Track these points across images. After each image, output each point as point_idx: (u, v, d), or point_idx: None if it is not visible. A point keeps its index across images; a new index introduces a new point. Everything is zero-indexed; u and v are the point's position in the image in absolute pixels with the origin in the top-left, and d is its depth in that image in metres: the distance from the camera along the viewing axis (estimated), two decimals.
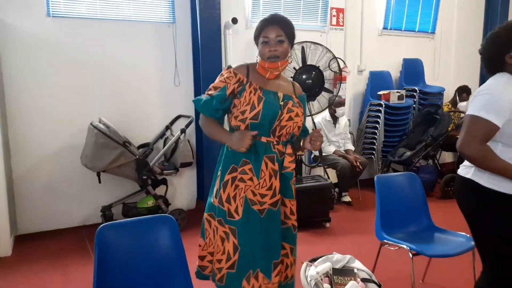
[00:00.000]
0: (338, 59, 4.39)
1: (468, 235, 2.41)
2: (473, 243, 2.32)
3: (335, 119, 4.68)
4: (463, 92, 5.49)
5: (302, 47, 3.83)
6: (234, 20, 4.18)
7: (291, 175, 1.85)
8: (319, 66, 3.85)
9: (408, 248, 2.29)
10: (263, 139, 1.78)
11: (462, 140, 1.73)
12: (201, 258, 1.92)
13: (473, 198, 1.84)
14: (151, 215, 1.96)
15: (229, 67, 1.84)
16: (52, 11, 3.66)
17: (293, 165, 1.84)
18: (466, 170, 1.86)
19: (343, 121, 4.77)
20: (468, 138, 1.71)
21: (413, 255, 2.29)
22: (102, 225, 1.80)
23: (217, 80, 1.82)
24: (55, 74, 3.70)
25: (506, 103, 1.68)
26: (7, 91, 3.54)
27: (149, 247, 1.88)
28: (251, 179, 1.77)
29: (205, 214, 1.87)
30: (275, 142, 1.80)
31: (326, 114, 4.68)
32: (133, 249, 1.86)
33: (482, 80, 6.34)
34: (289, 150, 1.84)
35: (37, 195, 3.71)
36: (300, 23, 4.89)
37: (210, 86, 1.81)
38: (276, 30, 1.77)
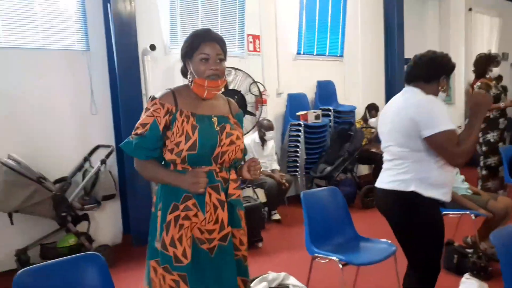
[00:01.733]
0: (257, 83, 4.56)
1: (389, 241, 2.61)
2: (394, 248, 2.52)
3: (263, 141, 4.80)
4: (372, 109, 6.00)
5: None
6: (152, 47, 4.15)
7: (238, 202, 1.71)
8: (240, 91, 3.95)
9: (337, 259, 2.40)
10: (204, 168, 1.61)
11: (450, 157, 1.89)
12: None
13: (413, 209, 2.00)
14: (74, 255, 1.82)
15: (153, 98, 1.65)
16: None
17: (239, 192, 1.71)
18: (403, 184, 2.00)
19: (270, 143, 4.91)
20: (453, 152, 1.88)
21: (343, 265, 2.40)
22: (19, 271, 1.63)
23: (143, 116, 1.63)
24: None
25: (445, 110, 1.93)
26: None
27: None
28: (196, 215, 1.61)
29: (151, 261, 1.67)
30: (217, 170, 1.65)
31: (255, 136, 4.78)
32: None
33: (387, 97, 6.97)
34: (233, 175, 1.69)
35: None
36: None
37: (137, 124, 1.62)
38: (216, 48, 1.64)
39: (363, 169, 6.51)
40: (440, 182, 2.00)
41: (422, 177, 1.97)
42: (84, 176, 3.72)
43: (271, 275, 2.45)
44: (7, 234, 3.44)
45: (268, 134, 4.73)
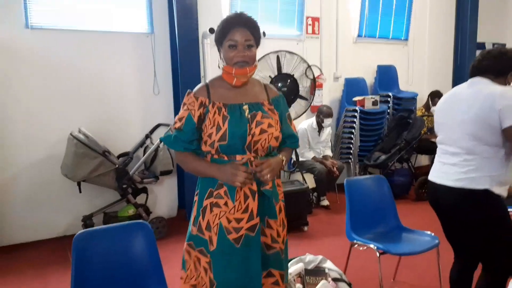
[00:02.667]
0: (314, 66, 4.55)
1: (433, 234, 2.57)
2: (437, 241, 2.48)
3: (320, 127, 4.79)
4: (436, 96, 5.68)
5: (277, 56, 3.96)
6: (212, 30, 4.27)
7: (271, 193, 1.65)
8: (293, 75, 3.97)
9: (375, 247, 2.41)
10: (238, 157, 1.61)
11: None
12: None
13: (486, 208, 1.96)
14: (126, 222, 2.02)
15: (188, 92, 1.68)
16: (30, 22, 3.70)
17: (271, 182, 1.64)
18: (477, 181, 1.94)
19: (327, 130, 4.90)
20: None
21: (380, 254, 2.41)
22: (78, 232, 1.86)
23: (181, 110, 1.66)
24: (33, 85, 3.74)
25: None
26: None
27: (125, 253, 1.95)
28: (226, 203, 1.60)
29: (185, 244, 1.72)
30: (252, 159, 1.61)
31: (312, 121, 4.79)
32: (110, 255, 1.92)
33: (455, 84, 6.56)
34: None
35: (18, 206, 3.73)
36: (277, 31, 5.03)
37: (175, 119, 1.66)
38: (245, 33, 1.60)
39: (423, 160, 6.26)
40: (507, 179, 1.97)
41: (494, 175, 1.93)
42: (145, 152, 4.01)
43: (309, 257, 2.51)
44: (76, 201, 3.85)
45: (327, 122, 4.70)
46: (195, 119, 1.62)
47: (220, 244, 1.60)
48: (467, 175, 1.96)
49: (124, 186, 3.61)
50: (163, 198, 4.38)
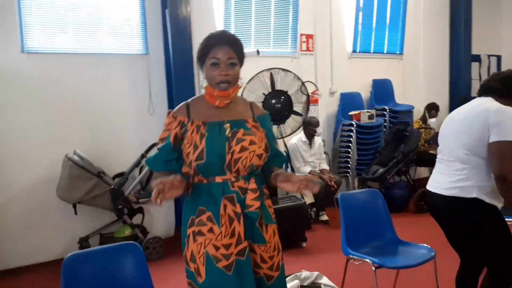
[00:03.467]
0: (309, 82, 4.58)
1: (429, 246, 2.53)
2: (433, 253, 2.44)
3: (310, 139, 4.81)
4: (432, 109, 5.71)
5: (271, 74, 3.99)
6: None
7: (256, 215, 1.56)
8: (287, 91, 4.00)
9: (370, 261, 2.37)
10: (218, 179, 1.54)
11: (504, 168, 1.87)
12: None
13: (477, 216, 2.01)
14: (115, 243, 2.01)
15: (169, 112, 1.67)
16: (26, 47, 3.76)
17: (257, 203, 1.56)
18: (467, 190, 2.00)
19: (317, 141, 4.90)
20: (509, 165, 1.86)
21: (376, 268, 2.37)
22: (67, 255, 1.85)
23: (163, 132, 1.64)
24: (29, 109, 3.77)
25: None
26: None
27: (115, 275, 1.92)
28: (210, 230, 1.52)
29: (186, 275, 1.64)
30: (233, 179, 1.55)
31: (301, 135, 4.81)
32: (100, 277, 1.90)
33: (452, 97, 6.59)
34: (252, 185, 1.56)
35: (13, 230, 3.71)
36: (271, 49, 5.09)
37: (158, 140, 1.65)
38: (227, 51, 1.55)
39: (423, 172, 6.23)
40: (497, 191, 1.98)
41: (483, 185, 1.98)
42: (140, 172, 4.00)
43: (304, 273, 2.48)
44: (72, 223, 3.83)
45: (318, 130, 4.74)
46: (171, 139, 1.58)
47: (209, 274, 1.52)
48: (458, 184, 2.02)
49: (120, 206, 3.60)
50: (160, 217, 4.35)
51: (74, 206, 3.54)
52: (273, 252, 1.63)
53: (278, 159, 1.73)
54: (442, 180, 2.11)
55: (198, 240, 1.54)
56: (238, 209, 1.54)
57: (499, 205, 2.01)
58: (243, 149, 1.54)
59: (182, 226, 1.63)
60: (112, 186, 3.55)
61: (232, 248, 1.52)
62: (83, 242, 3.59)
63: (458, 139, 2.05)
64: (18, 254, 3.72)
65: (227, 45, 1.56)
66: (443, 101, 6.36)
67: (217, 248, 1.52)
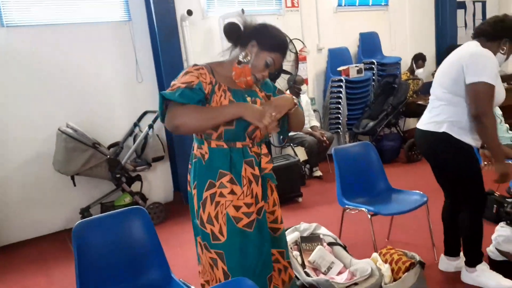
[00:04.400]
0: (296, 40, 4.54)
1: (422, 192, 2.65)
2: (425, 199, 2.57)
3: (296, 97, 4.83)
4: (419, 59, 5.73)
5: None
6: (189, 12, 4.25)
7: (271, 176, 1.72)
8: None
9: (366, 209, 2.49)
10: (238, 144, 1.62)
11: (480, 108, 1.98)
12: (202, 286, 1.80)
13: (446, 149, 2.18)
14: (122, 208, 2.07)
15: (195, 65, 1.63)
16: (5, 21, 3.65)
17: (270, 165, 1.71)
18: (437, 125, 2.17)
19: (304, 99, 4.93)
20: (484, 105, 1.98)
21: (372, 215, 2.49)
22: (76, 223, 1.91)
23: (187, 76, 1.56)
24: (17, 84, 3.70)
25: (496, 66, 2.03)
26: None
27: (124, 239, 1.99)
28: (232, 192, 1.61)
29: (198, 238, 1.72)
30: (250, 145, 1.65)
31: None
32: (110, 242, 1.96)
33: (438, 47, 6.61)
34: (264, 150, 1.71)
35: (14, 206, 3.75)
36: (256, 8, 5.00)
37: (178, 84, 1.54)
38: (281, 62, 1.65)
39: (412, 123, 6.34)
40: (470, 128, 2.11)
41: (453, 120, 2.12)
42: (134, 140, 4.03)
43: (303, 225, 2.60)
44: (72, 195, 3.88)
45: (303, 88, 4.77)
46: (206, 90, 1.56)
47: (230, 234, 1.60)
48: (432, 119, 2.20)
49: (118, 175, 3.64)
50: (158, 184, 4.42)
51: (73, 178, 3.57)
52: (274, 207, 1.78)
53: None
54: (423, 117, 2.30)
55: (220, 202, 1.61)
56: (257, 172, 1.66)
57: (473, 143, 2.14)
58: None
59: (197, 189, 1.65)
60: (108, 156, 3.58)
61: (253, 207, 1.64)
62: (85, 212, 3.66)
63: (439, 80, 2.21)
64: (21, 229, 3.79)
65: (283, 57, 1.66)
66: (430, 51, 6.37)
67: (237, 209, 1.61)
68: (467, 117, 2.09)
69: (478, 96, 1.99)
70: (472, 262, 2.29)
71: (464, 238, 2.31)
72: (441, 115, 2.15)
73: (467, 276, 2.32)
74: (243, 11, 4.19)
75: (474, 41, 2.15)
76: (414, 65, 5.76)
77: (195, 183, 1.65)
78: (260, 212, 1.67)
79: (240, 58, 1.61)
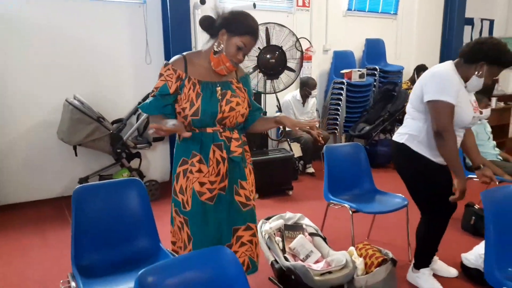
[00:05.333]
0: (304, 39, 4.65)
1: (403, 196, 2.80)
2: (406, 202, 2.71)
3: (305, 98, 4.97)
4: (421, 70, 5.86)
5: (266, 28, 4.08)
6: (202, 1, 4.37)
7: (239, 159, 1.89)
8: (281, 46, 4.11)
9: (348, 206, 2.64)
10: (208, 129, 1.82)
11: (438, 125, 2.07)
12: (172, 243, 2.03)
13: (405, 159, 2.33)
14: (121, 179, 2.21)
15: (166, 64, 1.81)
16: None
17: (239, 150, 1.89)
18: (400, 136, 2.33)
19: (312, 101, 5.08)
20: (443, 123, 2.06)
21: (353, 212, 2.65)
22: (78, 186, 2.06)
23: (157, 80, 1.80)
24: (31, 54, 3.85)
25: (455, 87, 2.10)
26: None
27: (120, 207, 2.12)
28: (199, 170, 1.82)
29: (173, 204, 1.95)
30: (221, 130, 1.84)
31: (296, 93, 4.97)
32: (106, 209, 2.10)
33: (442, 60, 6.73)
34: (235, 135, 1.88)
35: (17, 169, 3.92)
36: (267, 3, 5.12)
37: (153, 88, 1.81)
38: (253, 44, 1.79)
39: None
40: (428, 144, 2.22)
41: (412, 134, 2.27)
42: (137, 119, 4.17)
43: (288, 214, 2.74)
44: (72, 164, 4.04)
45: (314, 92, 4.90)
46: (171, 90, 1.78)
47: (194, 205, 1.85)
48: (399, 131, 2.37)
49: (118, 150, 3.79)
50: (156, 163, 4.58)
51: (75, 148, 3.72)
52: (250, 186, 1.99)
53: (259, 112, 2.04)
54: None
55: (188, 178, 1.85)
56: (224, 154, 1.86)
57: (432, 158, 2.22)
58: (231, 109, 1.83)
59: (173, 164, 1.92)
60: (111, 131, 3.73)
61: (216, 184, 1.87)
62: (83, 182, 3.81)
63: (410, 95, 2.34)
64: (21, 192, 3.96)
65: (255, 39, 1.79)
66: (433, 64, 6.38)
67: (202, 184, 1.85)
68: (425, 132, 2.21)
69: (437, 113, 2.08)
70: (418, 265, 2.47)
71: (416, 241, 2.46)
72: (405, 127, 2.32)
73: (411, 275, 2.52)
74: (254, 5, 4.32)
75: (449, 61, 2.21)
76: (415, 76, 5.89)
77: (174, 159, 1.92)
78: (224, 189, 1.88)
79: (215, 48, 1.77)
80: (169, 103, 1.80)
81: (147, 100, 1.82)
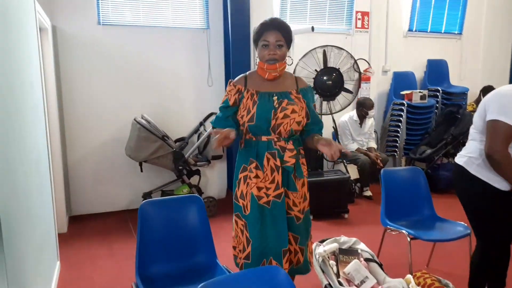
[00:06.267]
0: (362, 59, 4.65)
1: (466, 224, 2.67)
2: (468, 231, 2.59)
3: (362, 119, 4.93)
4: (488, 92, 5.53)
5: (324, 51, 4.14)
6: None
7: (291, 169, 1.97)
8: (339, 68, 4.14)
9: (406, 232, 2.57)
10: (263, 138, 1.95)
11: (493, 147, 1.98)
12: (234, 248, 2.15)
13: (463, 182, 2.23)
14: (183, 195, 2.35)
15: (230, 82, 2.05)
16: (102, 20, 4.17)
17: (293, 160, 1.96)
18: (460, 158, 2.25)
19: (369, 121, 5.01)
20: (498, 145, 1.97)
21: (411, 239, 2.57)
22: (144, 201, 2.22)
23: (223, 96, 2.05)
24: (104, 76, 4.22)
25: None
26: (64, 91, 4.09)
27: (180, 221, 2.27)
28: (256, 176, 1.95)
29: (234, 209, 2.08)
30: (275, 139, 1.95)
31: (353, 114, 4.94)
32: (168, 222, 2.25)
33: (511, 80, 6.36)
34: (290, 146, 1.96)
35: (87, 182, 4.25)
36: (325, 26, 5.19)
37: (221, 103, 2.06)
38: (276, 35, 1.90)
39: None
40: (488, 167, 2.07)
41: (471, 157, 2.16)
42: (198, 138, 4.37)
43: (343, 238, 2.72)
44: (137, 179, 4.31)
45: (371, 113, 4.84)
46: (231, 102, 1.99)
47: (253, 209, 1.96)
48: (460, 153, 2.27)
49: (180, 167, 3.99)
50: (214, 180, 4.75)
51: (141, 165, 3.97)
52: (301, 198, 2.05)
53: (317, 127, 2.08)
54: None
55: (248, 183, 1.98)
56: (278, 163, 1.96)
57: (495, 183, 2.07)
58: (285, 116, 1.93)
59: (235, 171, 2.07)
60: (174, 149, 3.94)
61: (271, 191, 1.96)
62: (147, 196, 4.04)
63: (473, 118, 2.23)
64: (90, 203, 4.28)
65: (276, 30, 1.92)
66: (501, 84, 5.96)
67: (259, 189, 1.96)
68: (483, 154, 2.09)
69: (494, 134, 1.98)
70: None
71: (470, 269, 2.33)
72: (465, 149, 2.23)
73: None
74: (312, 28, 4.40)
75: None
76: (482, 97, 5.60)
77: (236, 166, 2.06)
78: (280, 197, 1.96)
79: (255, 61, 2.04)
80: (229, 114, 1.99)
81: (216, 116, 2.05)
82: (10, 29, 1.96)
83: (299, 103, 1.98)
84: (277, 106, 1.93)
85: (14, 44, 2.03)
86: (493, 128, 1.99)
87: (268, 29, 1.91)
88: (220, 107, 2.04)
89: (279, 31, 1.91)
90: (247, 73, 2.05)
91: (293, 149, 1.98)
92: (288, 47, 1.98)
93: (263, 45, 1.93)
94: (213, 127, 2.03)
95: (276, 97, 1.95)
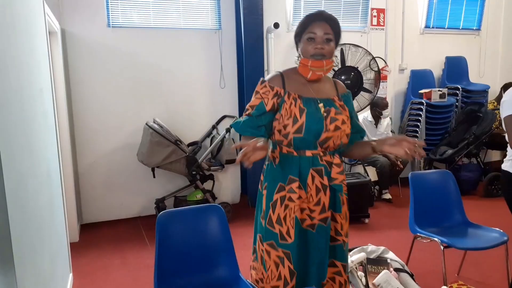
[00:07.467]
0: (378, 58, 4.49)
1: (502, 231, 2.50)
2: (505, 238, 2.42)
3: (377, 120, 4.77)
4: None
5: (341, 49, 3.99)
6: (276, 25, 4.40)
7: (340, 187, 1.68)
8: (357, 67, 3.99)
9: (439, 240, 2.41)
10: (308, 153, 1.64)
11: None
12: (256, 282, 1.81)
13: (507, 185, 2.17)
14: (202, 204, 2.22)
15: (263, 81, 1.69)
16: (111, 22, 4.06)
17: (342, 177, 1.69)
18: (505, 164, 2.21)
19: (385, 122, 4.85)
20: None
21: (445, 247, 2.41)
22: (161, 212, 2.08)
23: (253, 98, 1.68)
24: (114, 79, 4.10)
25: None
26: (73, 96, 3.98)
27: (200, 233, 2.14)
28: (299, 197, 1.65)
29: (258, 234, 1.75)
30: (321, 154, 1.65)
31: (367, 114, 4.78)
32: (187, 234, 2.12)
33: None
34: (336, 160, 1.69)
35: (99, 189, 4.14)
36: (341, 24, 5.00)
37: (247, 106, 1.68)
38: (324, 27, 1.62)
39: (494, 155, 5.94)
40: None
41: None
42: (211, 142, 4.25)
43: (370, 247, 2.57)
44: (149, 185, 4.19)
45: (385, 113, 4.68)
46: (268, 107, 1.64)
47: (297, 235, 1.65)
48: (505, 158, 2.25)
49: (193, 172, 3.86)
50: (227, 185, 4.61)
51: (153, 170, 3.85)
52: (343, 219, 1.75)
53: (360, 134, 1.80)
54: None
55: (288, 206, 1.65)
56: (325, 182, 1.66)
57: None
58: (336, 128, 1.64)
59: (267, 190, 1.71)
60: (187, 154, 3.82)
61: (316, 213, 1.66)
62: (160, 203, 3.93)
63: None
64: (102, 210, 4.16)
65: (324, 22, 1.64)
66: None
67: (302, 210, 1.66)
68: None
69: (508, 128, 2.01)
70: None
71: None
72: (509, 154, 2.21)
73: None
74: None
75: None
76: (503, 95, 5.40)
77: (266, 184, 1.72)
78: (326, 221, 1.67)
79: (296, 58, 1.71)
80: (263, 124, 1.65)
81: (241, 118, 1.68)
82: (19, 33, 1.84)
83: (344, 112, 1.69)
84: (325, 115, 1.63)
85: (23, 49, 1.91)
86: (508, 123, 2.03)
87: (315, 21, 1.62)
88: (253, 113, 1.64)
89: (328, 23, 1.63)
90: (282, 71, 1.71)
91: (340, 163, 1.70)
92: (336, 43, 1.69)
93: (308, 38, 1.62)
94: (240, 135, 1.72)
95: (322, 104, 1.65)
